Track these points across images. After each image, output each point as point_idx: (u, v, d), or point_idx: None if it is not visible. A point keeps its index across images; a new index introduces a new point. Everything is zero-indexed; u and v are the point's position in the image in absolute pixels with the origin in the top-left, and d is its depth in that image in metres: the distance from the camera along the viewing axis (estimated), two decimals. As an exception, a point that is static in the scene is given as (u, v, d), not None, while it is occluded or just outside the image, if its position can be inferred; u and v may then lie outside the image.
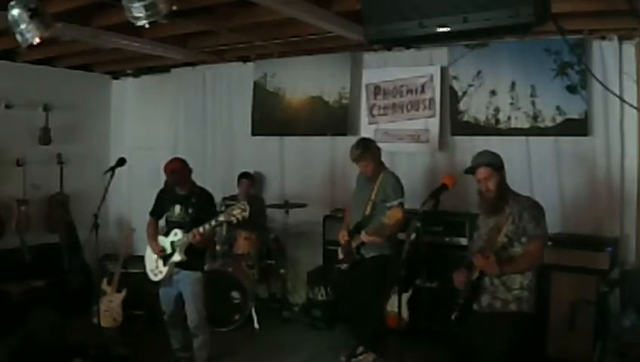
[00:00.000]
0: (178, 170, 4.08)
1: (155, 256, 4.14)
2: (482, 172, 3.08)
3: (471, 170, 3.14)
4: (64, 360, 4.10)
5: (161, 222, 4.29)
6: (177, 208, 4.10)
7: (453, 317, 3.06)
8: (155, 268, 4.15)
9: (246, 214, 3.80)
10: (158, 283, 4.17)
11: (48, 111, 6.22)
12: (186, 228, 3.99)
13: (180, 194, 4.11)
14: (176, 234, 4.02)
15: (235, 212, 3.80)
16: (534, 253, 2.99)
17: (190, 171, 4.17)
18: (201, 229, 3.87)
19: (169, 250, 4.05)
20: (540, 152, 4.69)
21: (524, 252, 2.98)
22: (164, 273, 4.08)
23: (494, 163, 3.09)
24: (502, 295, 3.01)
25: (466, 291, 3.08)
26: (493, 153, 3.18)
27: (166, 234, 4.10)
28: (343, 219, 4.68)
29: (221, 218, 3.86)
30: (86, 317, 4.93)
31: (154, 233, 4.22)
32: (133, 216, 6.65)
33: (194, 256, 4.06)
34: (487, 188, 3.07)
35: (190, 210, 4.04)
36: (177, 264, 4.03)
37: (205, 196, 4.20)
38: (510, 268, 2.95)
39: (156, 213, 4.26)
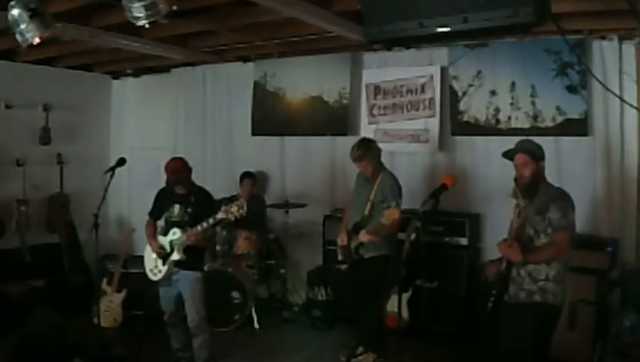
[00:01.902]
0: (179, 169, 4.07)
1: (154, 255, 4.14)
2: (520, 158, 3.10)
3: (510, 154, 3.16)
4: (64, 360, 4.10)
5: (160, 222, 4.29)
6: (177, 208, 4.09)
7: (488, 306, 3.09)
8: (154, 268, 4.15)
9: (243, 212, 3.80)
10: (157, 282, 4.17)
11: (48, 111, 6.22)
12: (185, 227, 3.99)
13: (179, 193, 4.11)
14: (175, 234, 4.02)
15: (232, 209, 3.81)
16: (560, 243, 2.96)
17: (190, 171, 4.17)
18: (199, 228, 3.87)
19: (168, 249, 4.05)
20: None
21: (549, 241, 2.98)
22: (163, 272, 4.08)
23: (533, 151, 3.10)
24: (527, 286, 3.03)
25: (497, 282, 3.09)
26: (535, 143, 3.19)
27: (165, 234, 4.10)
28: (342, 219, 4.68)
29: (219, 216, 3.86)
30: (86, 317, 4.93)
31: (153, 232, 4.22)
32: (133, 216, 6.66)
33: (193, 255, 4.06)
34: (521, 174, 3.09)
35: (189, 210, 4.05)
36: (177, 263, 4.03)
37: (204, 195, 4.20)
38: (534, 256, 2.95)
39: (155, 213, 4.26)
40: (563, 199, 3.04)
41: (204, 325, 4.17)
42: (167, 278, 4.09)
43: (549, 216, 2.97)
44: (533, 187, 3.07)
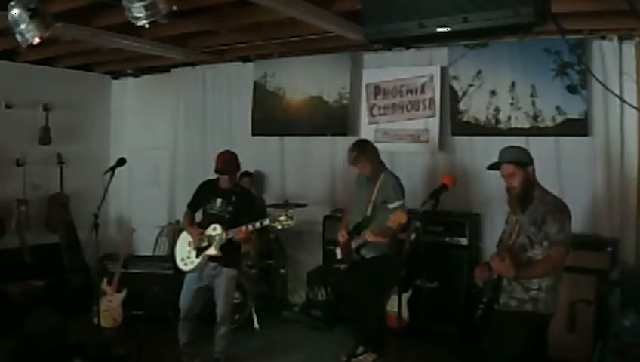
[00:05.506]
0: (230, 160, 4.16)
1: (189, 247, 4.17)
2: (506, 168, 3.01)
3: (495, 166, 3.07)
4: (64, 360, 4.10)
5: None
6: (219, 201, 4.15)
7: (477, 314, 3.05)
8: (186, 258, 4.18)
9: (291, 223, 3.88)
10: (182, 272, 4.18)
11: (48, 111, 6.23)
12: (225, 224, 4.04)
13: (223, 188, 4.17)
14: (215, 229, 4.06)
15: (281, 218, 3.88)
16: (556, 258, 2.89)
17: (239, 168, 4.26)
18: (250, 227, 3.92)
19: (205, 243, 4.09)
20: (540, 152, 4.58)
21: (545, 257, 2.90)
22: (195, 264, 4.11)
23: (519, 159, 3.01)
24: (518, 295, 2.97)
25: (488, 290, 3.05)
26: (519, 148, 3.11)
27: (204, 227, 4.14)
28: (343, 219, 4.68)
29: (266, 221, 3.93)
30: (86, 317, 4.93)
31: (191, 222, 4.27)
32: (133, 216, 6.65)
33: (232, 252, 4.12)
34: (511, 185, 3.00)
35: (230, 208, 4.10)
36: (211, 258, 4.08)
37: (247, 196, 4.29)
38: (527, 272, 2.88)
39: (194, 205, 4.31)
40: (560, 211, 2.94)
41: (230, 318, 4.31)
42: (198, 270, 4.14)
43: (545, 228, 2.88)
44: (526, 196, 2.97)
